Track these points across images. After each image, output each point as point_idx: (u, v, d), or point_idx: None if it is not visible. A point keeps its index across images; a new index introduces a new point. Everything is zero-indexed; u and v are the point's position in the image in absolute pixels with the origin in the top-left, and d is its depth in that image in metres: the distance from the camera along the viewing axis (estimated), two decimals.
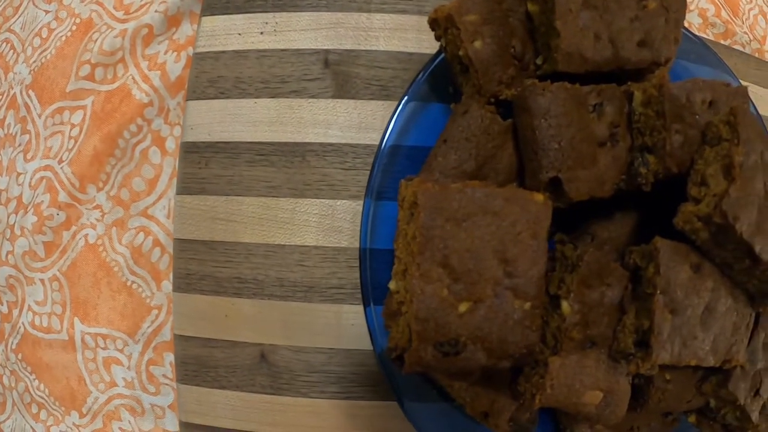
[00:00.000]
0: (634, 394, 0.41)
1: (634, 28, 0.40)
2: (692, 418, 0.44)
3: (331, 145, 0.45)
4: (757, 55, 0.70)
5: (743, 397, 0.41)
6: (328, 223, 0.45)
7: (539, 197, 0.35)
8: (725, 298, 0.39)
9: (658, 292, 0.36)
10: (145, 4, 0.55)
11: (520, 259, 0.34)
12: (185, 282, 0.47)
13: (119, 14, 0.55)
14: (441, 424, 0.42)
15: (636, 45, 0.41)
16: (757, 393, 0.42)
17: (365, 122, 0.46)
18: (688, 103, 0.39)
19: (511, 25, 0.40)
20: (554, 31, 0.38)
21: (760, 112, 0.66)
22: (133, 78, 0.54)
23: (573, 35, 0.38)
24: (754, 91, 0.65)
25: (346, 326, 0.44)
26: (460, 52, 0.39)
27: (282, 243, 0.45)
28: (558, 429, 0.45)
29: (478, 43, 0.38)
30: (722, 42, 0.68)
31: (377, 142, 0.41)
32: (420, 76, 0.41)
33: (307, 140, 0.46)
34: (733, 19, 0.67)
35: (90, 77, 0.55)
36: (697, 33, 0.67)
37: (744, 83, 0.67)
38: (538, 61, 0.40)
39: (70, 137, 0.54)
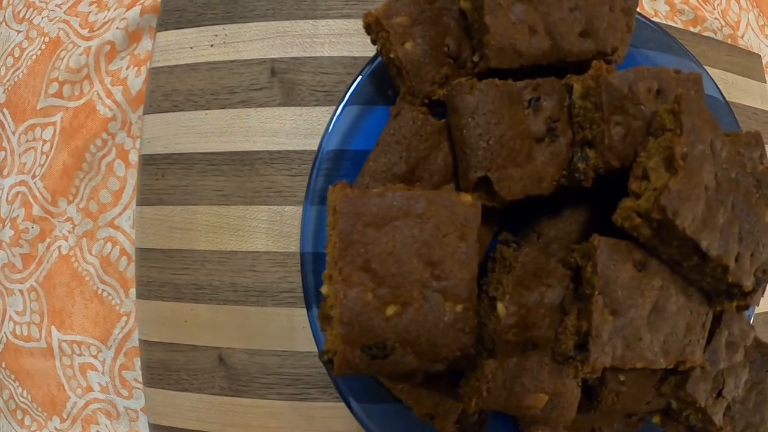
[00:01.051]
0: (588, 395, 0.41)
1: (574, 18, 0.39)
2: (656, 419, 0.43)
3: (278, 152, 0.46)
4: (729, 41, 0.68)
5: (703, 398, 0.40)
6: (277, 228, 0.46)
7: (467, 198, 0.34)
8: (676, 296, 0.37)
9: (597, 292, 0.34)
10: (108, 21, 0.56)
11: (448, 261, 0.33)
12: (147, 289, 0.49)
13: (84, 32, 0.57)
14: (397, 425, 0.42)
15: (578, 35, 0.39)
16: (719, 394, 0.41)
17: (311, 128, 0.47)
18: (631, 93, 0.37)
19: (444, 24, 0.39)
20: (485, 27, 0.37)
21: (734, 99, 0.65)
22: (97, 94, 0.55)
23: (504, 30, 0.37)
24: (725, 78, 0.64)
25: (297, 329, 0.45)
26: (392, 55, 0.39)
27: (234, 249, 0.46)
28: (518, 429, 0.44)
29: (408, 45, 0.38)
30: (691, 29, 0.66)
31: (330, 148, 0.42)
32: (357, 80, 0.42)
33: (255, 149, 0.47)
34: (703, 5, 0.66)
35: (58, 94, 0.57)
36: (664, 21, 0.66)
37: (714, 71, 0.66)
38: (475, 59, 0.40)
39: (42, 153, 0.56)
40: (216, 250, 0.47)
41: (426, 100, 0.39)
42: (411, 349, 0.33)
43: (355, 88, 0.42)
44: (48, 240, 0.56)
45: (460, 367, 0.36)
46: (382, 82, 0.43)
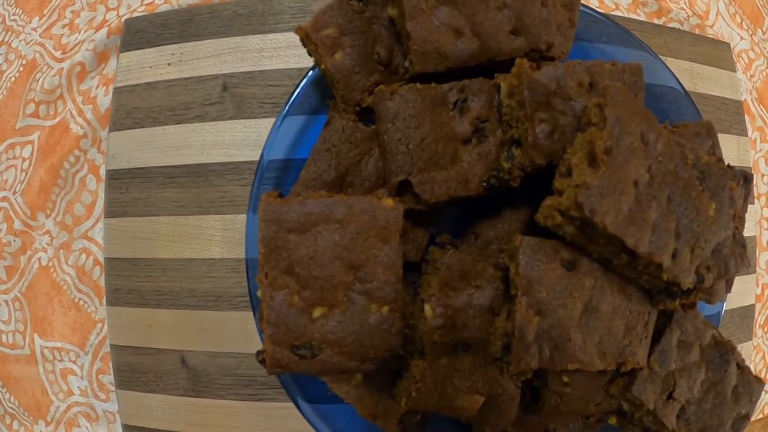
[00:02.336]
0: (534, 396, 0.40)
1: (503, 17, 0.38)
2: (613, 420, 0.42)
3: (230, 163, 0.49)
4: (698, 31, 0.68)
5: (652, 401, 0.38)
6: (230, 236, 0.48)
7: (388, 202, 0.35)
8: (611, 296, 0.36)
9: (520, 293, 0.34)
10: (79, 42, 0.59)
11: (371, 264, 0.35)
12: (115, 296, 0.51)
13: (58, 54, 0.60)
14: (345, 424, 0.43)
15: (508, 34, 0.39)
16: (670, 396, 0.39)
17: (261, 140, 0.48)
18: (560, 88, 0.37)
19: (374, 32, 0.40)
20: (407, 33, 0.37)
21: (701, 89, 0.65)
22: (70, 112, 0.58)
23: (427, 34, 0.37)
24: (690, 69, 0.64)
25: (252, 332, 0.48)
26: (322, 66, 0.40)
27: (191, 257, 0.49)
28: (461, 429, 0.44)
29: (338, 55, 0.39)
30: (656, 20, 0.66)
31: (274, 157, 0.44)
32: (296, 92, 0.44)
33: (209, 161, 0.49)
34: None
35: (35, 114, 0.60)
36: (626, 14, 0.66)
37: (678, 62, 0.65)
38: (406, 64, 0.40)
39: (21, 170, 0.60)
40: (175, 258, 0.49)
41: (357, 108, 0.41)
42: (338, 349, 0.35)
43: (294, 100, 0.44)
44: (29, 252, 0.59)
45: (392, 367, 0.37)
46: (328, 91, 0.45)
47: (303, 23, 0.40)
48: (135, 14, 0.57)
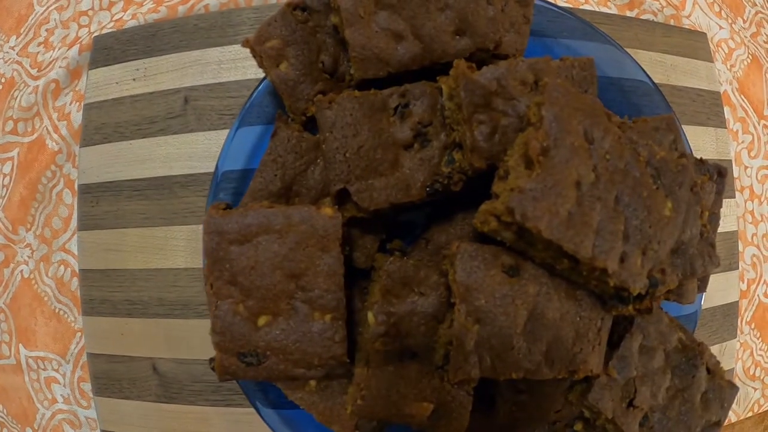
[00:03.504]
0: (490, 404, 0.39)
1: (445, 18, 0.38)
2: (579, 426, 0.40)
3: (192, 175, 0.50)
4: (673, 21, 0.67)
5: (610, 408, 0.37)
6: (194, 246, 0.49)
7: (326, 211, 0.36)
8: (559, 302, 0.35)
9: (458, 300, 0.33)
10: (53, 60, 0.61)
11: (311, 273, 0.35)
12: (90, 306, 0.53)
13: (34, 72, 0.62)
14: (304, 429, 0.43)
15: (452, 35, 0.38)
16: (631, 404, 0.38)
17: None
18: (501, 88, 0.36)
19: (319, 41, 0.40)
20: (346, 40, 0.37)
21: (674, 81, 0.63)
22: (47, 129, 0.60)
23: (366, 40, 0.37)
24: (662, 60, 0.62)
25: None
26: (268, 77, 0.41)
27: (159, 267, 0.50)
28: None
29: (283, 66, 0.40)
30: (628, 13, 0.66)
31: (231, 168, 0.45)
32: (247, 102, 0.44)
33: (173, 173, 0.50)
34: None
35: (14, 131, 0.62)
36: (596, 7, 0.65)
37: (650, 54, 0.64)
38: (352, 71, 0.39)
39: (2, 186, 0.62)
40: (144, 268, 0.51)
41: (304, 117, 0.41)
42: (284, 357, 0.36)
43: (247, 111, 0.44)
44: (12, 265, 0.61)
45: (339, 375, 0.38)
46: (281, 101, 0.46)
47: (249, 36, 0.40)
48: (105, 30, 0.58)
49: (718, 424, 0.41)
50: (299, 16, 0.39)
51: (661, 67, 0.62)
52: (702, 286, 0.46)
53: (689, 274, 0.37)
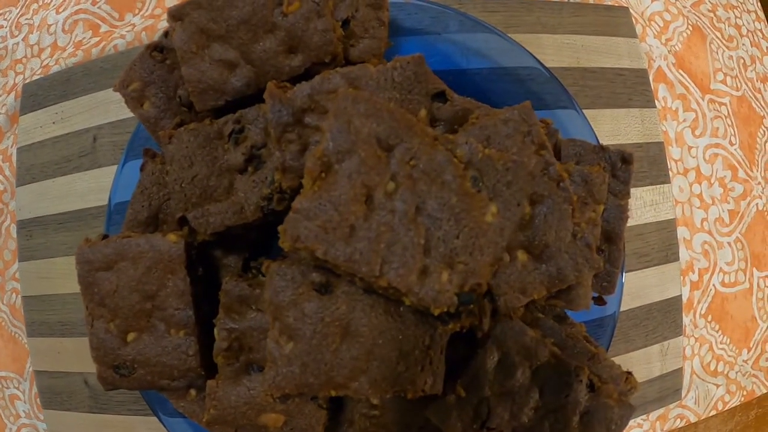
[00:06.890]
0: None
1: (274, 39, 0.37)
2: None
3: (102, 207, 0.55)
4: (592, 0, 0.60)
5: (459, 429, 0.35)
6: None
7: (171, 237, 0.39)
8: (375, 319, 0.33)
9: (272, 318, 0.34)
10: None
11: (163, 293, 0.39)
12: (32, 329, 0.59)
13: None
14: None
15: (286, 54, 0.38)
16: (483, 426, 0.35)
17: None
18: (314, 103, 0.35)
19: (175, 77, 0.42)
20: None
21: (588, 63, 0.57)
22: None
23: (200, 74, 0.38)
24: (571, 42, 0.57)
25: None
26: (136, 117, 0.44)
27: None
28: None
29: (146, 105, 0.42)
30: None
31: (122, 199, 0.49)
32: (132, 138, 0.48)
33: (87, 206, 0.56)
34: None
35: None
36: None
37: (556, 36, 0.57)
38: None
39: None
40: (71, 292, 0.56)
41: None
42: (149, 369, 0.40)
43: (132, 146, 0.48)
44: None
45: (197, 386, 0.41)
46: None
47: (117, 81, 0.44)
48: (35, 77, 0.64)
49: None
50: (157, 57, 0.43)
51: (570, 50, 0.57)
52: (608, 288, 0.43)
53: (557, 282, 0.34)
